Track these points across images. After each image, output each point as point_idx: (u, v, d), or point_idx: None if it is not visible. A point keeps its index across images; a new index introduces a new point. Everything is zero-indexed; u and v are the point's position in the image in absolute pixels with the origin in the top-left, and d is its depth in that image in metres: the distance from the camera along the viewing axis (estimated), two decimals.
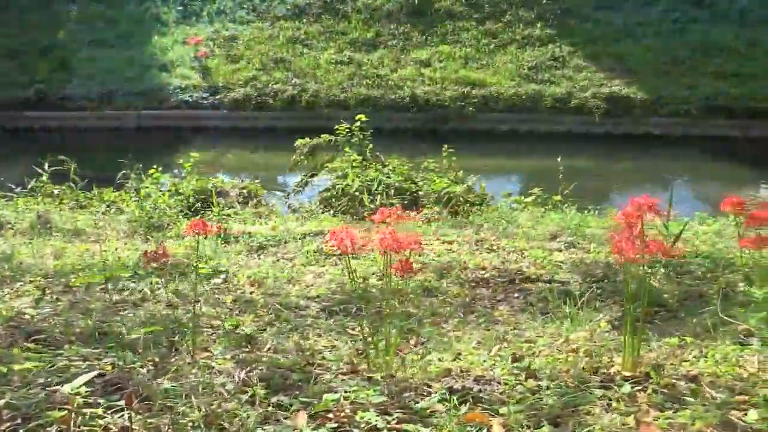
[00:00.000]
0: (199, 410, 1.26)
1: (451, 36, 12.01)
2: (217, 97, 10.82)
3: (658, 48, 11.97)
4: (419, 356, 1.82)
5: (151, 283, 3.06)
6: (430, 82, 10.71)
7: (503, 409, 1.32)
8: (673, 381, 1.51)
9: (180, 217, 5.20)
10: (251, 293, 2.81)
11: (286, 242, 4.18)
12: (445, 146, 6.10)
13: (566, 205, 5.17)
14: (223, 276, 3.23)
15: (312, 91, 10.60)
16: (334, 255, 3.96)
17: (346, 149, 6.23)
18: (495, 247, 4.02)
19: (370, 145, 6.27)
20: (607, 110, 10.27)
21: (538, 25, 12.20)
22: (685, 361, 1.71)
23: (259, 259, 3.84)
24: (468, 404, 1.35)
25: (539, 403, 1.37)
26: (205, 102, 10.83)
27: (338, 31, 12.28)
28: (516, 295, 3.00)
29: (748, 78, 11.07)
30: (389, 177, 5.62)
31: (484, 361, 1.71)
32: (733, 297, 3.11)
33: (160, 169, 5.64)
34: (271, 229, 4.56)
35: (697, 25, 12.47)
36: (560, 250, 3.98)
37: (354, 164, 5.92)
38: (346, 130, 6.50)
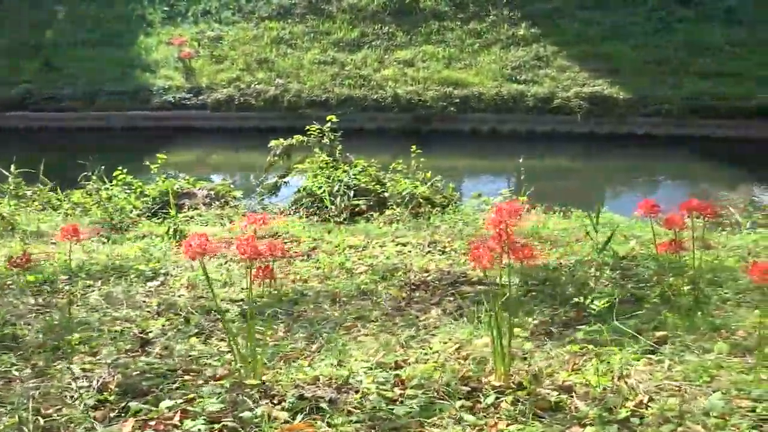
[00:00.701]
0: (35, 415, 1.25)
1: (435, 36, 11.98)
2: (200, 97, 10.82)
3: (644, 47, 11.93)
4: (307, 362, 1.80)
5: (87, 286, 3.05)
6: (412, 82, 10.69)
7: (339, 419, 1.30)
8: (547, 391, 1.48)
9: (143, 218, 5.20)
10: (180, 296, 2.79)
11: None
12: (414, 146, 6.08)
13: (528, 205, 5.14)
14: (161, 278, 3.22)
15: (294, 91, 10.58)
16: (282, 257, 3.95)
17: (316, 150, 6.21)
18: (447, 249, 4.00)
19: (340, 146, 6.25)
20: (589, 110, 10.24)
21: (523, 24, 12.17)
22: (576, 370, 1.69)
23: (208, 261, 3.82)
24: (303, 413, 1.33)
25: (386, 413, 1.35)
26: (188, 102, 10.83)
27: (323, 32, 12.26)
28: (451, 298, 2.98)
29: (734, 77, 11.03)
30: (356, 178, 5.60)
31: (359, 369, 1.69)
32: (673, 301, 3.09)
33: (125, 170, 5.63)
34: (228, 231, 4.55)
35: (683, 25, 12.43)
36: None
37: (321, 165, 5.91)
38: (318, 130, 6.48)
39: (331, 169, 5.83)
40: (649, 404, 1.44)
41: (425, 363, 1.71)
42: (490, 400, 1.46)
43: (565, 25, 12.38)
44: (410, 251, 3.91)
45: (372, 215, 5.23)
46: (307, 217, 5.57)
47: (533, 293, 3.06)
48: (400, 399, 1.44)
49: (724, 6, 12.82)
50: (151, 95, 11.02)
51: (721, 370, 1.71)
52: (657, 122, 10.40)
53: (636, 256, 3.97)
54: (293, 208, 6.04)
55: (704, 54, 11.72)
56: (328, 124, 6.41)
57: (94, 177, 5.22)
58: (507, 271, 2.43)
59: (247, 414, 1.33)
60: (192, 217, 5.11)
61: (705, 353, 1.98)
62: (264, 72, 11.18)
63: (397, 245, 4.13)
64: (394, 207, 5.13)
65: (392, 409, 1.38)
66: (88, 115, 11.05)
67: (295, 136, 6.89)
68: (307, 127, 6.56)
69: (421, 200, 4.91)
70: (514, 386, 1.53)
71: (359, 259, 3.81)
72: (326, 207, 5.32)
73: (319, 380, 1.57)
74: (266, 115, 10.45)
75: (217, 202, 5.44)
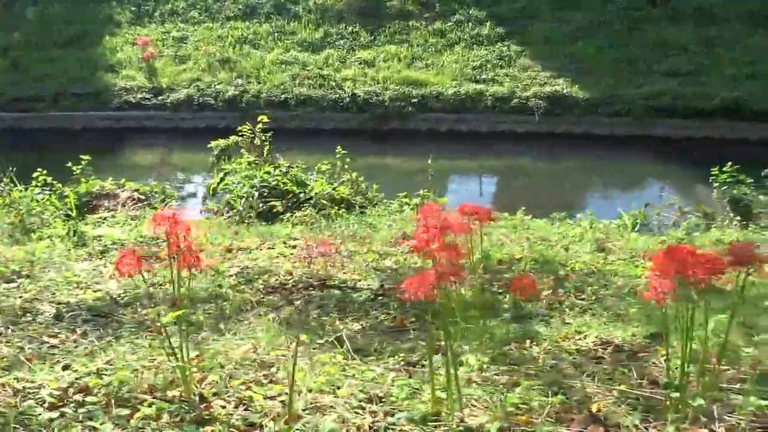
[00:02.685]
0: None
1: (399, 36, 11.96)
2: (160, 98, 10.81)
3: (610, 47, 11.86)
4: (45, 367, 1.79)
5: None
6: (372, 82, 10.67)
7: None
8: (223, 404, 1.47)
9: (56, 220, 5.20)
10: (20, 297, 2.79)
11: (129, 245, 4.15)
12: (339, 147, 6.07)
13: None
14: (20, 281, 3.21)
15: (253, 91, 10.58)
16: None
17: (242, 151, 6.22)
18: (332, 251, 3.98)
19: (268, 146, 6.26)
20: (548, 110, 10.19)
21: (488, 24, 12.12)
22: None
23: (89, 262, 3.82)
24: None
25: (27, 419, 1.35)
26: (149, 103, 10.83)
27: (287, 31, 12.25)
28: (297, 302, 2.97)
29: (698, 77, 10.96)
30: (276, 178, 5.61)
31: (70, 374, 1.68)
32: (523, 307, 3.06)
33: (46, 171, 5.63)
34: (130, 231, 4.54)
35: (653, 24, 12.36)
36: (400, 254, 3.95)
37: (246, 167, 5.92)
38: (249, 131, 6.49)
39: (254, 170, 5.84)
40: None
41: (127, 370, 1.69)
42: (146, 411, 1.45)
43: (531, 25, 12.32)
44: (292, 254, 3.90)
45: (287, 216, 5.23)
46: (228, 217, 5.58)
47: (381, 297, 3.05)
48: (62, 405, 1.44)
49: (695, 5, 12.74)
50: (113, 96, 11.02)
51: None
52: (617, 122, 10.34)
53: (521, 259, 3.95)
54: (225, 209, 6.05)
55: (672, 54, 11.65)
56: (260, 125, 6.41)
57: (5, 179, 5.22)
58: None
59: None
60: (105, 219, 5.11)
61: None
62: (225, 72, 11.17)
63: (287, 247, 4.12)
64: (305, 208, 5.12)
65: (39, 415, 1.38)
66: (49, 116, 11.05)
67: (231, 137, 6.91)
68: (239, 128, 6.57)
69: (324, 201, 4.90)
70: (194, 397, 1.53)
71: (241, 261, 3.80)
72: (239, 208, 5.32)
73: (6, 386, 1.58)
74: (225, 115, 10.42)
75: (131, 203, 5.43)
